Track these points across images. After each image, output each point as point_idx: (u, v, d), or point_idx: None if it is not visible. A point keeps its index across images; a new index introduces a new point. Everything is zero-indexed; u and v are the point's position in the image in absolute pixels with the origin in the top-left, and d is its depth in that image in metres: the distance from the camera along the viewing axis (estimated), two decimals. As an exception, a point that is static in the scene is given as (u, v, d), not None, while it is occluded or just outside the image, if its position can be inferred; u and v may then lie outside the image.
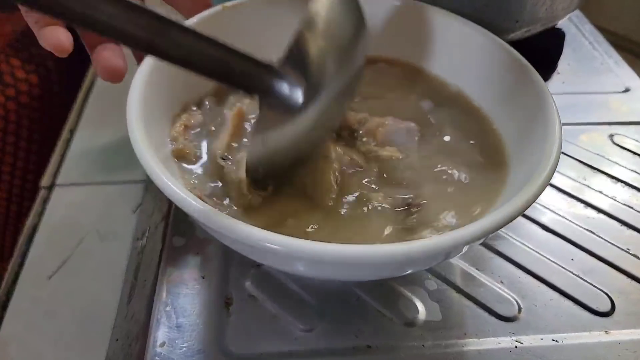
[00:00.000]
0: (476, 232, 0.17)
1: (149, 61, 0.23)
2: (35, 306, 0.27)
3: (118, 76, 0.23)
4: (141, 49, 0.18)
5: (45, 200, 0.33)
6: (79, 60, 0.76)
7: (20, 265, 0.29)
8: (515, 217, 0.18)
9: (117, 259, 0.28)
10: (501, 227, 0.18)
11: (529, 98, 0.24)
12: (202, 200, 0.19)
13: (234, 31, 0.26)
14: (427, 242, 0.17)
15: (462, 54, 0.27)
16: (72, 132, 0.40)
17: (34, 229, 0.31)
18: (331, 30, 0.20)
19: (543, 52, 0.37)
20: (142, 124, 0.20)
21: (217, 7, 0.25)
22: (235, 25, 0.26)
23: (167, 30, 0.17)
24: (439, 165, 0.24)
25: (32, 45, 0.71)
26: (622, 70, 0.39)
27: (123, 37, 0.17)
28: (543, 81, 0.23)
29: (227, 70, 0.19)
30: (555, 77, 0.38)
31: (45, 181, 0.38)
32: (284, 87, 0.20)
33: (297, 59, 0.20)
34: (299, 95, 0.20)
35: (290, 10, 0.26)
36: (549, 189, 0.29)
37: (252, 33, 0.26)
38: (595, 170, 0.31)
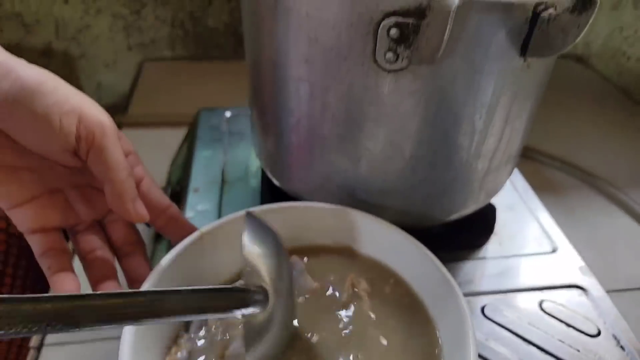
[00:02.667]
0: None
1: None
2: None
3: None
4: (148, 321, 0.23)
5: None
6: None
7: None
8: None
9: None
10: None
11: (451, 318, 0.28)
12: None
13: (210, 251, 0.31)
14: None
15: (394, 258, 0.32)
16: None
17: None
18: (263, 259, 0.28)
19: (479, 221, 0.42)
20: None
21: (197, 233, 0.30)
22: (213, 246, 0.31)
23: (165, 299, 0.23)
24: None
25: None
26: (552, 230, 0.44)
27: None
28: (465, 308, 0.27)
29: (218, 304, 0.25)
30: (493, 239, 0.43)
31: (33, 341, 0.41)
32: (257, 299, 0.26)
33: (254, 277, 0.27)
34: (266, 302, 0.27)
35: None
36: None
37: (227, 251, 0.31)
38: (527, 343, 0.35)
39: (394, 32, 0.26)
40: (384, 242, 0.33)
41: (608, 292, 0.53)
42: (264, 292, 0.27)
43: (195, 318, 0.28)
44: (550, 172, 0.74)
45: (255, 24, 0.33)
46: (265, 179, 0.44)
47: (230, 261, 0.32)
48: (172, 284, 0.28)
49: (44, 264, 0.29)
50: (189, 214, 0.43)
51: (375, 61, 0.28)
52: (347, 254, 0.34)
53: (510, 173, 0.40)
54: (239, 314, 0.26)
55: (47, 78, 0.27)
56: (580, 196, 0.69)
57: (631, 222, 0.65)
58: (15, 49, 0.86)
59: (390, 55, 0.27)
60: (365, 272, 0.33)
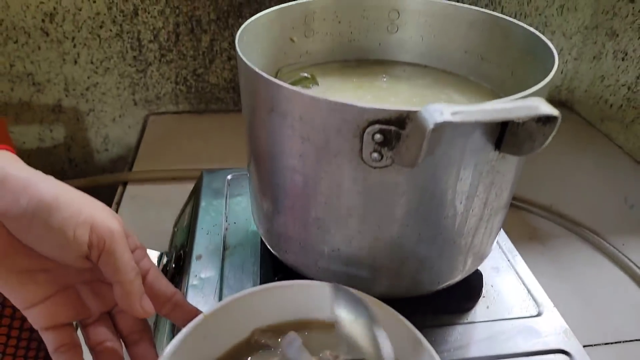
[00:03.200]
0: None
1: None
2: None
3: None
4: None
5: None
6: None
7: None
8: None
9: None
10: None
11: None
12: None
13: (213, 332, 0.33)
14: None
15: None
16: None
17: None
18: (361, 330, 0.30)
19: (467, 286, 0.45)
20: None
21: (200, 317, 0.33)
22: (216, 327, 0.33)
23: None
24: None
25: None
26: (537, 292, 0.47)
27: None
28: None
29: None
30: (481, 302, 0.46)
31: None
32: None
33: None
34: None
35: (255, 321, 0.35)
36: None
37: (229, 331, 0.34)
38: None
39: (378, 137, 0.30)
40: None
41: (594, 345, 0.56)
42: None
43: None
44: (537, 220, 0.77)
45: (254, 121, 0.37)
46: (264, 247, 0.47)
47: (232, 339, 0.34)
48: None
49: (50, 346, 0.31)
50: (193, 281, 0.46)
51: (362, 159, 0.31)
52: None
53: (493, 243, 0.43)
54: None
55: (62, 191, 0.30)
56: (567, 245, 0.72)
57: (617, 271, 0.67)
58: (26, 106, 0.91)
59: (375, 155, 0.30)
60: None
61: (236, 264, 0.48)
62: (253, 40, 0.43)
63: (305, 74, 0.48)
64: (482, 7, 0.98)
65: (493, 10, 0.99)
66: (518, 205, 0.79)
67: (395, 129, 0.29)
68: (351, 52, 0.53)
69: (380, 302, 0.34)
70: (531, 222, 0.77)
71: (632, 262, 0.67)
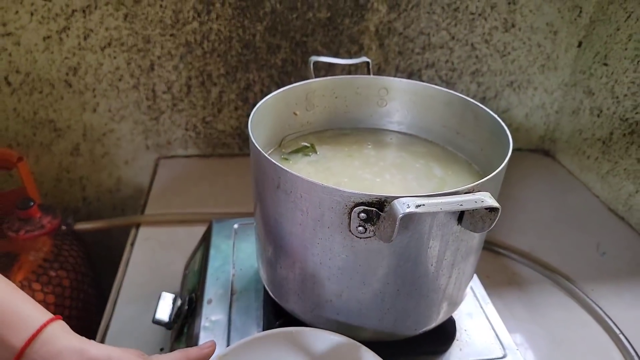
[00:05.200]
0: None
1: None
2: None
3: None
4: None
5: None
6: (91, 279, 0.92)
7: None
8: None
9: None
10: None
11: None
12: None
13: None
14: None
15: None
16: None
17: None
18: None
19: (442, 331, 0.52)
20: None
21: (214, 357, 0.40)
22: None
23: None
24: None
25: (50, 269, 0.85)
26: (503, 336, 0.54)
27: None
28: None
29: None
30: (455, 344, 0.53)
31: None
32: None
33: None
34: None
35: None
36: None
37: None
38: None
39: (362, 215, 0.37)
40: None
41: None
42: None
43: None
44: (516, 266, 0.84)
45: (263, 192, 0.44)
46: (266, 294, 0.54)
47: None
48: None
49: None
50: (205, 324, 0.53)
51: (350, 231, 0.39)
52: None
53: (463, 296, 0.50)
54: None
55: (113, 352, 0.38)
56: (542, 290, 0.79)
57: (585, 315, 0.74)
58: (47, 150, 0.99)
59: (360, 229, 0.38)
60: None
61: (242, 308, 0.55)
62: (262, 117, 0.51)
63: (306, 144, 0.56)
64: (470, 65, 1.08)
65: (480, 68, 1.08)
66: (499, 252, 0.86)
67: (376, 210, 0.36)
68: (346, 122, 0.61)
69: (366, 348, 0.41)
70: (511, 267, 0.84)
71: (599, 307, 0.74)
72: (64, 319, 0.86)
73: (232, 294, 0.57)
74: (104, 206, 1.12)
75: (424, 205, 0.33)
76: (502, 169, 0.41)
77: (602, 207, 1.01)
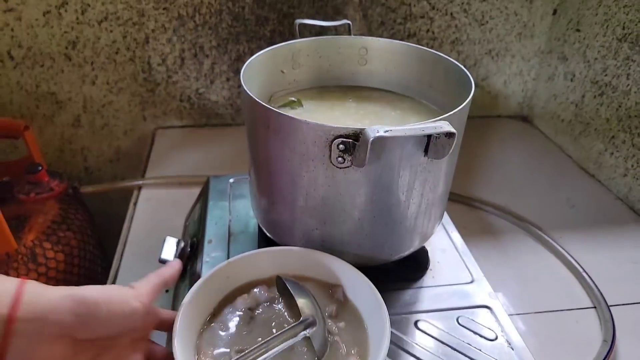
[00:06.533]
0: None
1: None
2: None
3: None
4: None
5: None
6: (95, 242, 0.99)
7: None
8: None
9: None
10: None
11: (376, 319, 0.44)
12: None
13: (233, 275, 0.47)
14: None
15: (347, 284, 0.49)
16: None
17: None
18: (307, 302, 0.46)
19: (416, 261, 0.58)
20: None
21: (224, 262, 0.46)
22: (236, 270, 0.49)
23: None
24: None
25: (59, 230, 0.91)
26: (472, 266, 0.60)
27: None
28: (385, 313, 0.43)
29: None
30: (428, 273, 0.59)
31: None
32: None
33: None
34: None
35: None
36: None
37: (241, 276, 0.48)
38: (446, 346, 0.50)
39: (341, 146, 0.43)
40: (341, 273, 0.49)
41: (528, 313, 0.69)
42: (314, 318, 0.44)
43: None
44: (492, 218, 0.91)
45: (255, 135, 0.50)
46: (260, 232, 0.61)
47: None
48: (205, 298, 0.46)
49: None
50: (206, 259, 0.59)
51: (331, 162, 0.45)
52: (321, 282, 0.50)
53: (435, 227, 0.56)
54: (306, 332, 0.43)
55: (101, 288, 0.40)
56: (515, 238, 0.86)
57: (553, 259, 0.81)
58: (49, 122, 1.05)
59: (340, 159, 0.44)
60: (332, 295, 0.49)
61: (239, 245, 0.61)
62: (253, 74, 0.56)
63: (293, 98, 0.62)
64: (450, 35, 1.13)
65: (459, 37, 1.14)
66: (476, 206, 0.93)
67: (352, 141, 0.42)
68: (330, 80, 0.67)
69: (353, 267, 0.48)
70: (487, 219, 0.91)
71: (566, 251, 0.81)
72: (73, 278, 0.92)
73: (229, 235, 0.63)
74: (105, 175, 1.17)
75: (391, 130, 0.39)
76: (463, 107, 0.47)
77: (574, 166, 1.08)
